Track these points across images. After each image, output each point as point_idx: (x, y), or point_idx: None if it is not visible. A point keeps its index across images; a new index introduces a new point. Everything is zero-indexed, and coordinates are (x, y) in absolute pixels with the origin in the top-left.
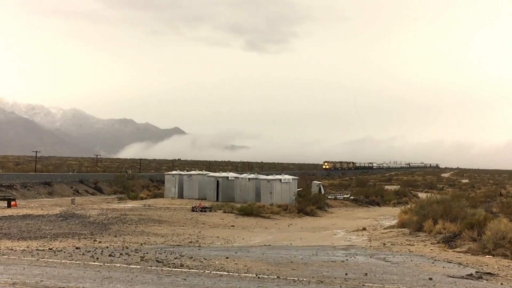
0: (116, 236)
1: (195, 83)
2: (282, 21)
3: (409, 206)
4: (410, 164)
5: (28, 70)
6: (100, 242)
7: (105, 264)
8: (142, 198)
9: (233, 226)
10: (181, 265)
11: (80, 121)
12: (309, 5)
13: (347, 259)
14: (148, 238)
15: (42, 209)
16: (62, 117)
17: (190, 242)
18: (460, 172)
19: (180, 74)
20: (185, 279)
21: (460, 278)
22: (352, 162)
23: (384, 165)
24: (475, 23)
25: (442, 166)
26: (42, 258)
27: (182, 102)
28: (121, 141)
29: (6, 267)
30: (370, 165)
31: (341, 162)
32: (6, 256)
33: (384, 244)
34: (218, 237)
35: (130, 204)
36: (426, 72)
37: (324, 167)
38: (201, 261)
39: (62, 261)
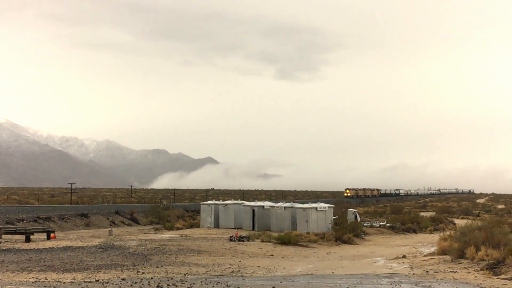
0: (158, 267)
1: (227, 112)
2: (313, 49)
3: (448, 233)
4: (441, 190)
5: (62, 103)
6: (143, 273)
7: None
8: (178, 228)
9: (272, 255)
10: None
11: (114, 152)
12: (339, 32)
13: (392, 287)
14: (190, 269)
15: (81, 240)
16: (96, 148)
17: (232, 272)
18: (496, 197)
19: (213, 103)
20: None
21: None
22: (377, 189)
23: (412, 191)
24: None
25: (477, 191)
26: None
27: (214, 131)
28: (154, 171)
29: None
30: (397, 191)
31: (364, 189)
32: None
33: (427, 271)
34: (259, 266)
35: (167, 234)
36: (460, 97)
37: (345, 194)
38: None
39: None
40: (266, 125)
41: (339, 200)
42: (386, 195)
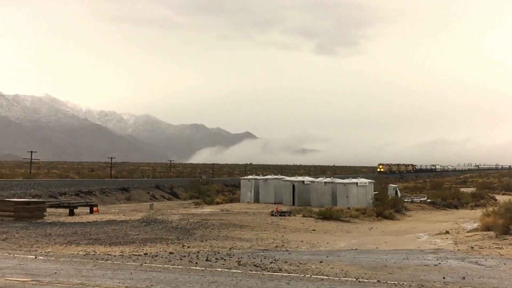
0: (202, 241)
1: (266, 87)
2: (352, 23)
3: (491, 209)
4: (480, 166)
5: (101, 77)
6: (188, 247)
7: (207, 268)
8: (217, 203)
9: (314, 230)
10: (280, 270)
11: (152, 126)
12: (379, 6)
13: (439, 263)
14: (234, 243)
15: (123, 214)
16: (134, 123)
17: (276, 246)
18: None
19: (251, 78)
20: (288, 283)
21: None
22: (411, 165)
23: (449, 167)
24: None
25: None
26: (145, 263)
27: (253, 106)
28: (192, 146)
29: (113, 272)
30: (433, 167)
31: (398, 165)
32: (110, 261)
33: (472, 247)
34: (302, 241)
35: (207, 209)
36: (500, 72)
37: (378, 170)
38: (297, 266)
39: (165, 266)
40: (305, 100)
41: (378, 176)
42: (421, 170)
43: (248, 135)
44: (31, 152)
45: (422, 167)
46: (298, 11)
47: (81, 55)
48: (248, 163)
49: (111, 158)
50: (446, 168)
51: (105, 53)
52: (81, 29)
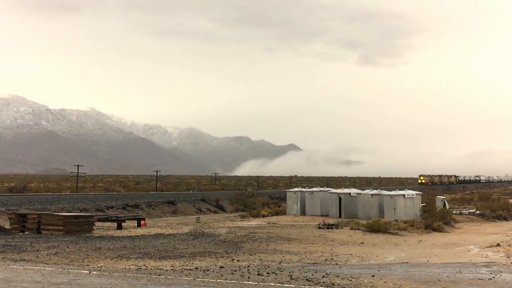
0: (251, 255)
1: (310, 98)
2: (396, 33)
3: None
4: None
5: (145, 91)
6: (238, 260)
7: (260, 283)
8: (264, 216)
9: (363, 243)
10: (332, 284)
11: (196, 139)
12: (422, 16)
13: (493, 277)
14: (283, 256)
15: (171, 228)
16: (179, 136)
17: (325, 260)
18: None
19: (295, 90)
20: None
21: None
22: (454, 176)
23: (495, 178)
24: None
25: None
26: (198, 278)
27: (297, 118)
28: (237, 158)
29: (168, 286)
30: (477, 178)
31: (440, 176)
32: (163, 276)
33: None
34: (352, 254)
35: (253, 222)
36: None
37: (419, 181)
38: (350, 280)
39: (217, 280)
40: (349, 111)
41: (425, 187)
42: (464, 181)
43: (292, 147)
44: (78, 166)
45: (465, 178)
46: (341, 22)
47: (126, 69)
48: (293, 175)
49: (157, 171)
50: (491, 179)
51: (149, 67)
52: (125, 43)
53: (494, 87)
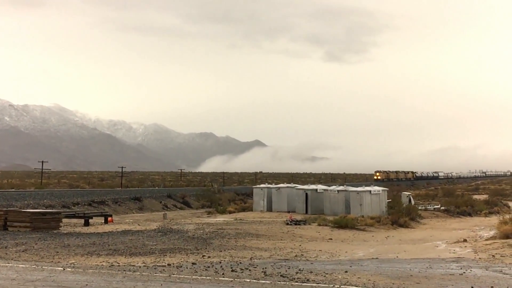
0: (221, 251)
1: (275, 95)
2: (361, 30)
3: (508, 216)
4: (486, 173)
5: (110, 86)
6: (209, 257)
7: (235, 279)
8: (230, 212)
9: (331, 239)
10: (307, 280)
11: (161, 135)
12: (388, 13)
13: (464, 272)
14: (253, 253)
15: (138, 224)
16: (144, 132)
17: (296, 256)
18: None
19: (260, 86)
20: None
21: None
22: (411, 172)
23: (454, 174)
24: None
25: None
26: (173, 274)
27: (262, 114)
28: (202, 154)
29: (144, 283)
30: (436, 174)
31: (396, 172)
32: (139, 273)
33: (493, 256)
34: (321, 250)
35: (220, 218)
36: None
37: (375, 177)
38: (324, 276)
39: (193, 277)
40: (314, 107)
41: (391, 183)
42: (422, 178)
43: (257, 143)
44: (42, 162)
45: (423, 174)
46: (306, 19)
47: (90, 65)
48: (258, 171)
49: (122, 167)
50: (450, 175)
51: (114, 63)
52: (89, 39)
53: (459, 84)
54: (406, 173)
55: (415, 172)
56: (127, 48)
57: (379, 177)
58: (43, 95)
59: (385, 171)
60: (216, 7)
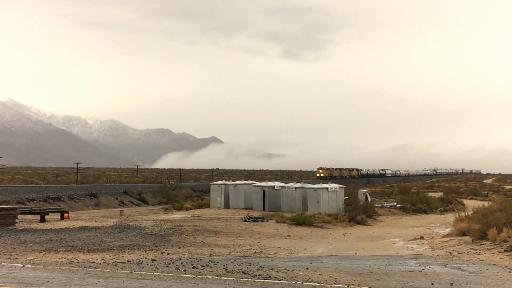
0: (180, 248)
1: (232, 92)
2: (319, 28)
3: (464, 214)
4: (437, 171)
5: (65, 82)
6: (168, 254)
7: (197, 276)
8: (187, 209)
9: (289, 236)
10: (269, 277)
11: (117, 131)
12: (345, 12)
13: (423, 269)
14: (212, 250)
15: (95, 221)
16: (99, 128)
17: (255, 252)
18: (503, 177)
19: (217, 83)
20: None
21: None
22: (356, 169)
23: (403, 172)
24: None
25: (483, 172)
26: (134, 271)
27: (219, 111)
28: (158, 151)
29: (105, 279)
30: (383, 172)
31: (340, 169)
32: (100, 269)
33: (451, 253)
34: (280, 247)
35: (177, 215)
36: (466, 78)
37: (318, 175)
38: (285, 272)
39: (154, 273)
40: (271, 105)
41: (347, 181)
42: (367, 176)
43: (214, 140)
44: None
45: (368, 172)
46: (264, 15)
47: (44, 59)
48: (215, 168)
49: (77, 163)
50: (398, 173)
51: (69, 57)
52: (45, 33)
53: (415, 83)
54: (350, 170)
55: (360, 170)
56: (83, 43)
57: (322, 175)
58: None
59: (328, 168)
60: (173, 3)
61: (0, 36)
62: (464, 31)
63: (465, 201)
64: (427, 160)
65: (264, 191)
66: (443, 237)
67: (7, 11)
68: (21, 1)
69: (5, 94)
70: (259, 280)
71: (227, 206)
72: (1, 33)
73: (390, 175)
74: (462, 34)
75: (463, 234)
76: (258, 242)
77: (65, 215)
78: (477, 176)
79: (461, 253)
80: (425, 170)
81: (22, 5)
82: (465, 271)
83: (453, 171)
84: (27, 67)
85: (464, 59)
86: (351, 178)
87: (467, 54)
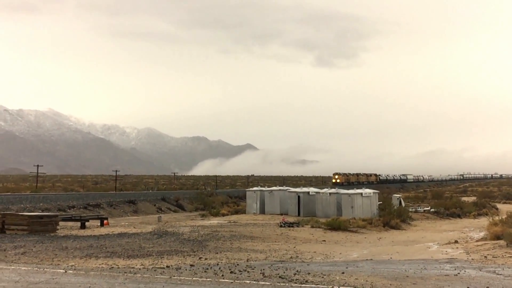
0: (217, 253)
1: (266, 99)
2: (351, 35)
3: (498, 218)
4: (464, 175)
5: (103, 91)
6: (206, 259)
7: (235, 281)
8: (223, 215)
9: (324, 240)
10: (306, 281)
11: (154, 139)
12: (377, 19)
13: (458, 273)
14: (249, 255)
15: (134, 227)
16: (137, 136)
17: (291, 257)
18: None
19: (251, 91)
20: None
21: None
22: (374, 174)
23: (426, 177)
24: None
25: None
26: (173, 276)
27: (253, 118)
28: (194, 158)
29: (146, 285)
30: (404, 177)
31: (357, 175)
32: (140, 275)
33: (485, 257)
34: (315, 252)
35: (214, 220)
36: (498, 81)
37: (333, 180)
38: (322, 277)
39: (193, 278)
40: (305, 111)
41: (381, 186)
42: (387, 181)
43: (249, 147)
44: (37, 166)
45: (388, 177)
46: (296, 24)
47: (83, 70)
48: (250, 174)
49: (116, 171)
50: (421, 178)
51: (108, 67)
52: (83, 44)
53: (446, 88)
54: (368, 175)
55: (379, 175)
56: (120, 53)
57: (338, 180)
58: (37, 100)
59: (345, 174)
60: (207, 13)
61: (40, 47)
62: (502, 36)
63: (499, 205)
64: (459, 165)
65: (299, 196)
66: (477, 241)
67: (47, 23)
68: (60, 12)
69: (45, 104)
70: (296, 284)
71: (262, 212)
72: (40, 45)
73: (412, 181)
74: (497, 38)
75: (498, 238)
76: (294, 247)
77: (105, 221)
78: (510, 181)
79: (496, 257)
80: (449, 175)
81: (61, 17)
82: (500, 274)
83: (482, 175)
84: (66, 77)
85: (498, 64)
86: (369, 184)
87: (501, 59)
